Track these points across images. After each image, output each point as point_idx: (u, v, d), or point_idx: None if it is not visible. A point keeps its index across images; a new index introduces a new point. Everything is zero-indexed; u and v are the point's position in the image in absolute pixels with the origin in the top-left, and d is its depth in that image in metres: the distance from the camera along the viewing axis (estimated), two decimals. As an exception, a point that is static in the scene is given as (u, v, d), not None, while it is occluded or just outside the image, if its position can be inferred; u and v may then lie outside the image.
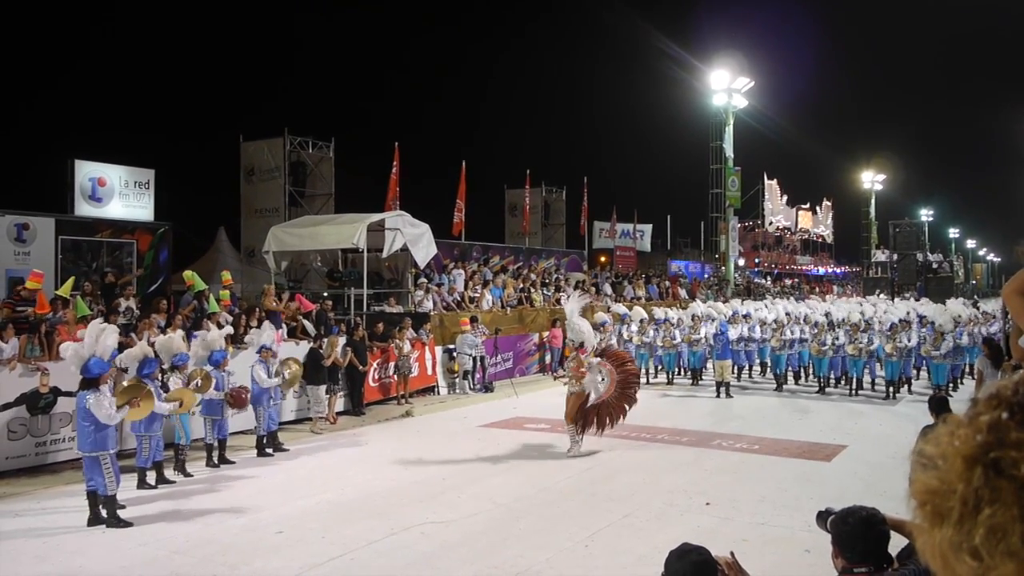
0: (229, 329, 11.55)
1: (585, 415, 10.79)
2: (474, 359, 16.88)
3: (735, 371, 17.36)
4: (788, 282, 44.96)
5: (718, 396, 15.83)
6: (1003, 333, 13.93)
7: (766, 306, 19.68)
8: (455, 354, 16.88)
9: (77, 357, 7.94)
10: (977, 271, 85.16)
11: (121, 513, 7.88)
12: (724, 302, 22.43)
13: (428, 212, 18.63)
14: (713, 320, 17.44)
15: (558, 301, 21.11)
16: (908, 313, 17.34)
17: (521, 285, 21.75)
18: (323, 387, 13.04)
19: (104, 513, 7.75)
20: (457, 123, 66.91)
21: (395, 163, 20.67)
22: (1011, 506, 0.77)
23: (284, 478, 9.68)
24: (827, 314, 17.55)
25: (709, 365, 17.90)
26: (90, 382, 7.86)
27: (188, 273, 13.92)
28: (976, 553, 0.78)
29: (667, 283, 29.59)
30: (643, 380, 17.91)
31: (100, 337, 8.07)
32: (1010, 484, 0.78)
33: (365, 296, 16.81)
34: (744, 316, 17.67)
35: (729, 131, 33.53)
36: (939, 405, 6.58)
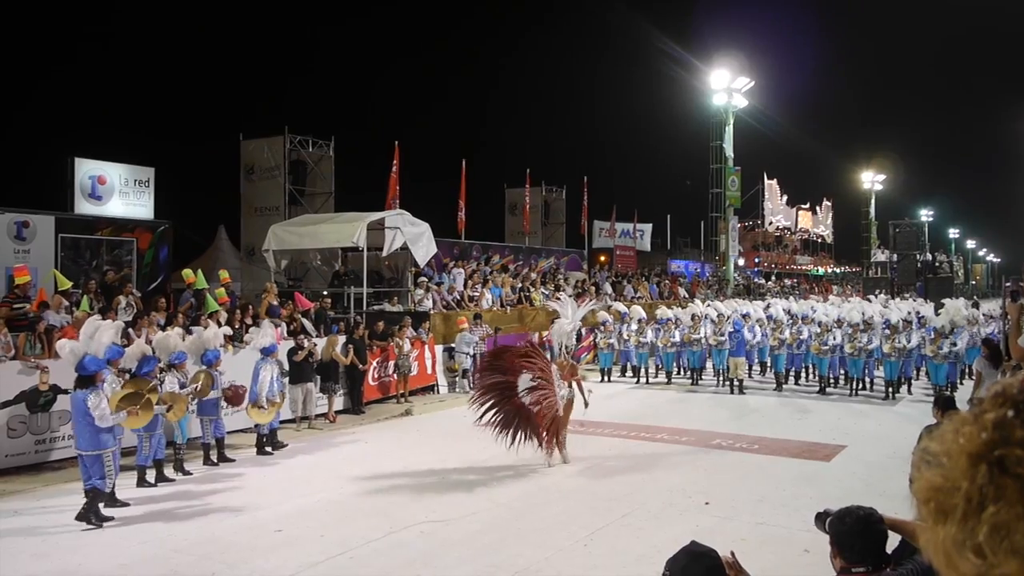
0: (228, 329, 11.52)
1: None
2: (474, 357, 16.87)
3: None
4: (788, 282, 44.96)
5: (737, 392, 15.99)
6: (1002, 334, 13.92)
7: (767, 305, 19.68)
8: (454, 353, 16.88)
9: (73, 355, 7.89)
10: (977, 271, 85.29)
11: (121, 511, 7.87)
12: (722, 300, 22.40)
13: (428, 211, 18.64)
14: (727, 317, 17.34)
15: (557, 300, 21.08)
16: (908, 313, 17.32)
17: (520, 284, 21.74)
18: (300, 386, 12.49)
19: (90, 507, 7.62)
20: (457, 122, 66.79)
21: (395, 162, 20.67)
22: (1015, 504, 0.77)
23: (283, 476, 9.68)
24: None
25: (708, 365, 17.90)
26: (86, 380, 7.77)
27: (187, 271, 13.93)
28: (980, 550, 0.78)
29: (667, 282, 29.61)
30: (643, 380, 18.10)
31: (95, 334, 8.02)
32: (1015, 482, 0.77)
33: (365, 295, 16.81)
34: (743, 316, 17.67)
35: (729, 131, 33.52)
36: (946, 404, 6.57)
